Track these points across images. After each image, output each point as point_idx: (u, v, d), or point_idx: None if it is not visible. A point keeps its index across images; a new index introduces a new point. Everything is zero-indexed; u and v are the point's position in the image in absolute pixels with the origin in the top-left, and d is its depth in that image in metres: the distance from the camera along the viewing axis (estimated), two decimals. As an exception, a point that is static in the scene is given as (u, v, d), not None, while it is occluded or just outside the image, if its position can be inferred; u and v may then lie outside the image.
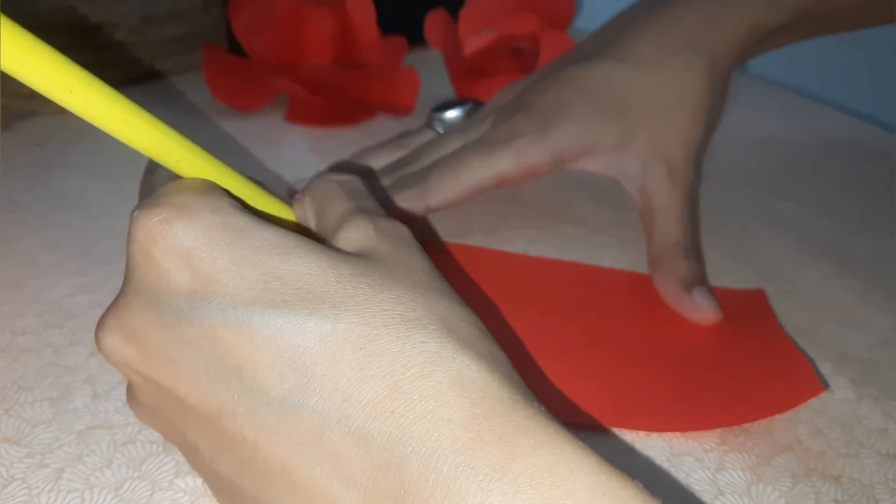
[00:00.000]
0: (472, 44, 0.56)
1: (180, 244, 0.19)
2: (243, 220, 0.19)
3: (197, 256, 0.18)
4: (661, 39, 0.37)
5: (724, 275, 0.37)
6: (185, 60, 0.56)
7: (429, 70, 0.54)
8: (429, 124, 0.43)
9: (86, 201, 0.40)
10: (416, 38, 0.55)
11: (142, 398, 0.21)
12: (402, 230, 0.21)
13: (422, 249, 0.21)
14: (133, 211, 0.20)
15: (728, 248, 0.39)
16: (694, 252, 0.35)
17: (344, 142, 0.48)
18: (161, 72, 0.56)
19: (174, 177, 0.21)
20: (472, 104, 0.43)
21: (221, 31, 0.58)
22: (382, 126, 0.51)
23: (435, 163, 0.36)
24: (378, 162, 0.40)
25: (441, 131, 0.42)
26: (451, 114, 0.42)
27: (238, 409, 0.18)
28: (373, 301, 0.18)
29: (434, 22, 0.54)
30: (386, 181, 0.37)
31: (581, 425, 0.27)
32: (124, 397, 0.27)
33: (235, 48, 0.54)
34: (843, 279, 0.37)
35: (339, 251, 0.20)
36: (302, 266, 0.19)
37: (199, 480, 0.24)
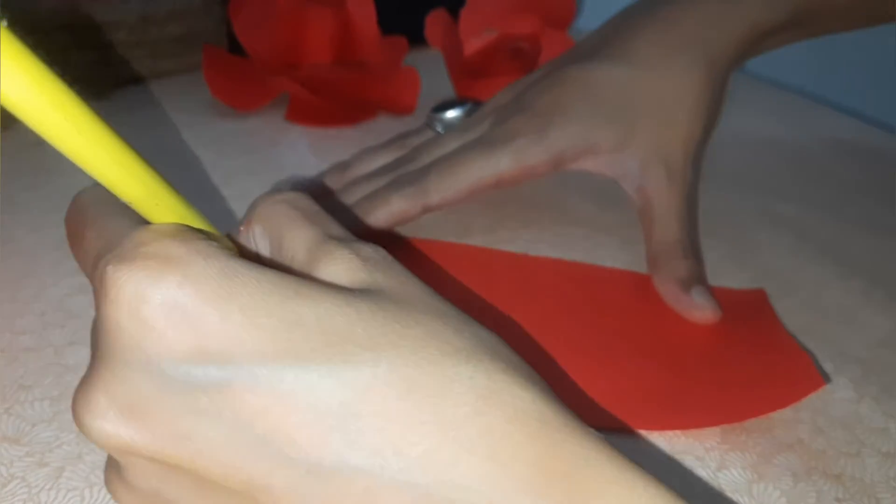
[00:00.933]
0: (473, 44, 0.56)
1: (176, 300, 0.16)
2: (238, 265, 0.17)
3: (200, 312, 0.16)
4: (661, 39, 0.37)
5: (725, 275, 0.37)
6: (185, 60, 0.56)
7: (429, 70, 0.54)
8: (428, 124, 0.43)
9: (86, 201, 0.40)
10: (417, 38, 0.55)
11: (140, 482, 0.18)
12: (383, 254, 0.20)
13: (406, 268, 0.20)
14: (103, 266, 0.17)
15: (728, 249, 0.39)
16: (693, 251, 0.35)
17: (344, 142, 0.48)
18: (161, 72, 0.55)
19: (135, 221, 0.19)
20: (472, 104, 0.43)
21: (222, 31, 0.58)
22: (382, 126, 0.51)
23: (434, 161, 0.36)
24: (378, 162, 0.40)
25: (441, 131, 0.42)
26: (451, 114, 0.42)
27: (273, 480, 0.16)
28: (405, 338, 0.16)
29: (434, 22, 0.54)
30: (384, 179, 0.37)
31: None
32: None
33: (235, 48, 0.54)
34: (843, 279, 0.37)
35: (338, 285, 0.18)
36: (319, 307, 0.17)
37: (199, 479, 0.24)
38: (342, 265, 0.18)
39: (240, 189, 0.41)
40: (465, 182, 0.35)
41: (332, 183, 0.39)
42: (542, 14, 0.55)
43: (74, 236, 0.21)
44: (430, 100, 0.47)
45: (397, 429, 0.16)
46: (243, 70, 0.52)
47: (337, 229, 0.20)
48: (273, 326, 0.16)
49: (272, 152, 0.46)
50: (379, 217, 0.35)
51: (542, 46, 0.53)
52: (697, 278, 0.33)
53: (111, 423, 0.17)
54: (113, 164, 0.16)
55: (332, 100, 0.51)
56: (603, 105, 0.36)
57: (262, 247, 0.21)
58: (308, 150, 0.47)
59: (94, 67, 0.52)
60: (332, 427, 0.16)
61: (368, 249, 0.19)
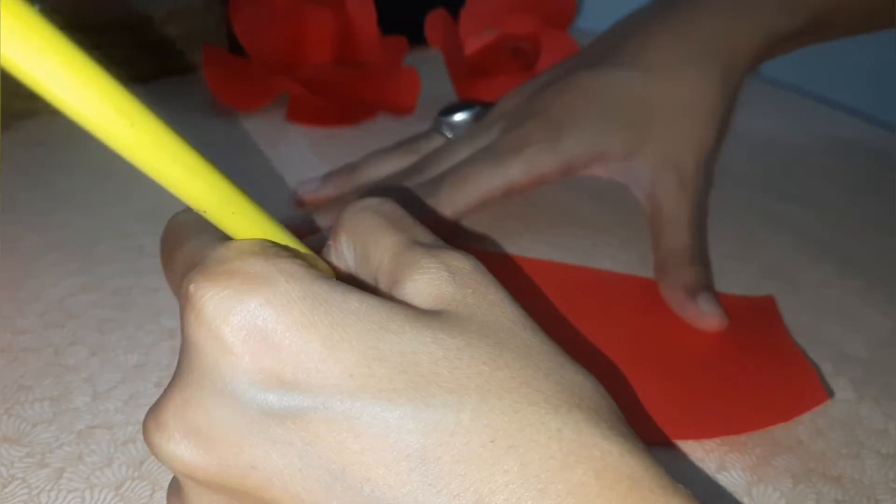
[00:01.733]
0: (473, 43, 0.56)
1: (256, 323, 0.16)
2: (324, 288, 0.16)
3: (280, 337, 0.16)
4: (675, 46, 0.36)
5: (725, 275, 0.36)
6: (185, 60, 0.56)
7: (429, 70, 0.54)
8: (436, 128, 0.43)
9: (87, 201, 0.40)
10: (417, 39, 0.55)
11: None
12: (471, 262, 0.19)
13: (498, 282, 0.19)
14: (186, 284, 0.16)
15: (729, 248, 0.39)
16: (701, 258, 0.34)
17: (344, 141, 0.48)
18: (161, 71, 0.56)
19: (219, 239, 0.18)
20: (480, 107, 0.43)
21: (222, 31, 0.58)
22: (383, 126, 0.51)
23: (445, 173, 0.36)
24: (387, 167, 0.40)
25: (449, 135, 0.42)
26: (459, 117, 0.42)
27: None
28: (492, 381, 0.16)
29: (435, 22, 0.54)
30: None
31: None
32: (124, 397, 0.27)
33: (236, 48, 0.54)
34: (843, 279, 0.37)
35: (423, 312, 0.17)
36: (404, 342, 0.16)
37: (199, 480, 0.24)
38: (428, 277, 0.18)
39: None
40: (476, 194, 0.35)
41: (339, 185, 0.39)
42: (541, 14, 0.55)
43: (166, 259, 0.20)
44: (430, 99, 0.47)
45: (479, 475, 0.15)
46: (244, 70, 0.52)
47: (424, 234, 0.19)
48: (354, 360, 0.16)
49: (272, 152, 0.46)
50: None
51: (541, 46, 0.53)
52: (704, 285, 0.33)
53: (182, 446, 0.16)
54: (174, 163, 0.15)
55: (333, 100, 0.51)
56: (615, 111, 0.35)
57: (350, 258, 0.20)
58: (308, 150, 0.47)
59: (95, 67, 0.52)
60: (410, 469, 0.15)
61: (458, 259, 0.18)
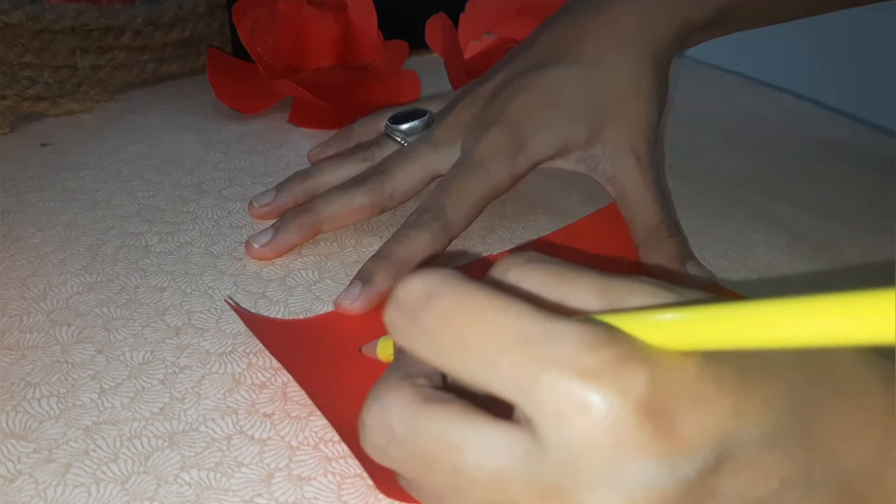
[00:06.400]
0: (473, 47, 0.56)
1: (651, 404, 0.18)
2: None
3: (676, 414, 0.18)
4: (608, 39, 0.39)
5: (719, 275, 0.37)
6: (189, 64, 0.57)
7: (430, 73, 0.55)
8: (388, 134, 0.42)
9: (93, 201, 0.41)
10: (418, 43, 0.56)
11: None
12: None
13: None
14: (553, 381, 0.17)
15: (723, 249, 0.39)
16: (676, 229, 0.37)
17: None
18: (166, 75, 0.56)
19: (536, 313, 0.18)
20: (430, 114, 0.43)
21: (226, 35, 0.58)
22: (384, 128, 0.52)
23: (445, 194, 0.36)
24: (341, 173, 0.40)
25: (401, 141, 0.42)
26: (410, 125, 0.42)
27: None
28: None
29: (435, 26, 0.54)
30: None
31: None
32: (130, 393, 0.28)
33: (239, 52, 0.54)
34: (837, 280, 0.37)
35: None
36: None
37: (203, 474, 0.25)
38: None
39: (243, 190, 0.42)
40: (477, 205, 0.37)
41: (295, 193, 0.39)
42: (539, 17, 0.55)
43: (450, 330, 0.19)
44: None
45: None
46: (247, 73, 0.53)
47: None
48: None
49: (275, 154, 0.47)
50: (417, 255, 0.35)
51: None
52: (688, 253, 0.36)
53: None
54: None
55: (335, 103, 0.52)
56: (568, 105, 0.38)
57: None
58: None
59: (100, 71, 0.52)
60: None
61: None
